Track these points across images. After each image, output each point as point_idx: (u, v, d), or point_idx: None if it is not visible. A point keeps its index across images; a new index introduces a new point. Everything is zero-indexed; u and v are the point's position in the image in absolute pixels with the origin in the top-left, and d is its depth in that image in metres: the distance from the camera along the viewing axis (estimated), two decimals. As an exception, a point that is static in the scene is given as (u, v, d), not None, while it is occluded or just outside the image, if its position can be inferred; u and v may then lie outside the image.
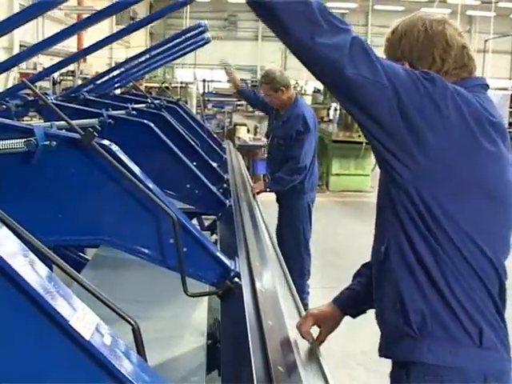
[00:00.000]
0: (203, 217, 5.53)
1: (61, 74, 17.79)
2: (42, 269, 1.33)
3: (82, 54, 5.25)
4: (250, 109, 18.41)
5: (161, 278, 3.17)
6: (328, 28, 1.85)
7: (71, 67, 18.50)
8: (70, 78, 18.37)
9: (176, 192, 4.14)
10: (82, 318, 1.28)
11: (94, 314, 1.34)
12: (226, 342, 2.54)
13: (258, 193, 5.87)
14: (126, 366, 1.32)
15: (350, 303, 2.50)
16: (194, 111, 15.07)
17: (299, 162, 6.15)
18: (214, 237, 4.68)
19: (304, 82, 24.01)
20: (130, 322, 1.60)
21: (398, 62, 2.12)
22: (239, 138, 15.03)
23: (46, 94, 5.69)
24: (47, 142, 2.61)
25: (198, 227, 4.36)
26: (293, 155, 6.18)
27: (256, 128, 16.10)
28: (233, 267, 2.77)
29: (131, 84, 9.39)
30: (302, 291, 6.50)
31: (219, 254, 2.79)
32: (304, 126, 6.20)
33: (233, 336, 2.44)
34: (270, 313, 2.37)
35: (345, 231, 9.88)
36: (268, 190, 6.20)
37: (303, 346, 2.27)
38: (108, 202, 2.78)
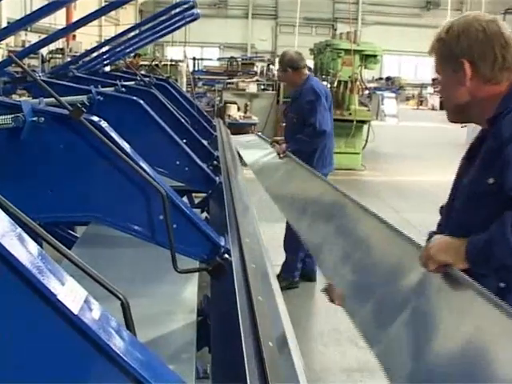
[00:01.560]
0: (194, 194, 5.53)
1: (50, 52, 17.67)
2: (30, 244, 1.31)
3: (70, 28, 5.20)
4: (241, 87, 18.41)
5: (151, 256, 3.16)
6: None
7: (60, 45, 18.39)
8: (59, 56, 18.23)
9: (166, 169, 4.12)
10: (70, 293, 1.27)
11: (82, 289, 1.33)
12: (215, 318, 2.55)
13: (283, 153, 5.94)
14: (116, 343, 1.31)
15: None
16: (184, 89, 15.01)
17: (316, 127, 6.25)
18: (205, 214, 4.67)
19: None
20: (118, 297, 1.59)
21: (455, 59, 2.21)
22: (229, 116, 14.98)
23: (35, 71, 5.65)
24: (35, 118, 2.59)
25: (189, 205, 4.35)
26: (309, 122, 6.28)
27: (246, 106, 16.04)
28: (223, 243, 2.76)
29: (121, 61, 9.34)
30: (292, 267, 6.53)
31: (209, 231, 2.78)
32: (313, 94, 6.34)
33: (223, 312, 2.44)
34: (259, 288, 2.36)
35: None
36: (288, 149, 6.24)
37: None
38: (97, 179, 2.76)
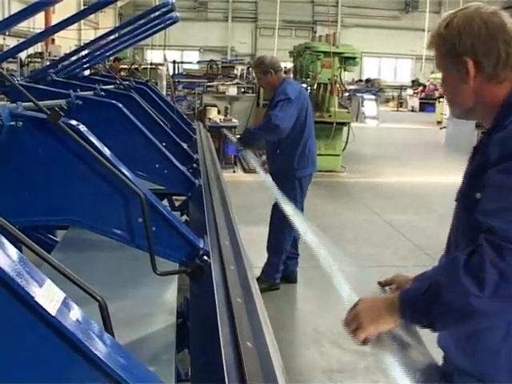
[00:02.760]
0: (174, 197, 5.53)
1: (28, 56, 17.58)
2: (8, 246, 1.32)
3: (49, 32, 5.17)
4: (221, 90, 18.42)
5: (130, 259, 3.17)
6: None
7: (39, 49, 18.30)
8: (38, 60, 18.14)
9: (145, 172, 4.12)
10: (48, 295, 1.28)
11: (60, 291, 1.34)
12: (195, 320, 2.56)
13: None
14: (96, 344, 1.31)
15: None
16: (164, 93, 15.00)
17: (271, 120, 6.31)
18: (185, 217, 4.67)
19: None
20: (96, 299, 1.59)
21: (458, 57, 2.13)
22: (210, 119, 14.98)
23: (13, 75, 5.63)
24: (13, 122, 2.60)
25: (169, 208, 4.35)
26: (267, 115, 6.41)
27: (226, 109, 16.04)
28: (202, 246, 2.77)
29: (100, 65, 9.30)
30: (274, 269, 6.55)
31: (188, 233, 2.79)
32: (284, 95, 6.38)
33: (202, 314, 2.45)
34: (238, 290, 2.37)
35: (319, 210, 9.90)
36: (242, 146, 6.33)
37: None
38: (76, 182, 2.77)
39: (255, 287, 2.50)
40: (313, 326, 5.72)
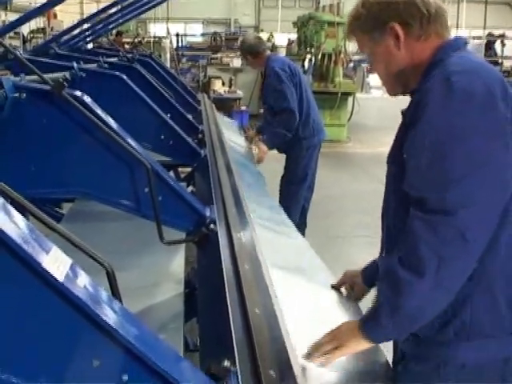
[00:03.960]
0: (180, 169, 5.53)
1: (31, 32, 17.50)
2: (14, 214, 1.31)
3: (50, 4, 5.13)
4: (225, 62, 18.34)
5: (137, 229, 3.17)
6: None
7: (41, 24, 18.20)
8: (41, 35, 18.04)
9: (150, 144, 4.12)
10: (55, 261, 1.27)
11: (66, 257, 1.33)
12: (202, 289, 2.56)
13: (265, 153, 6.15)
14: (105, 311, 1.31)
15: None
16: (168, 66, 14.93)
17: (291, 109, 6.24)
18: (191, 188, 4.67)
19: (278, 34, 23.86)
20: (104, 266, 1.59)
21: (383, 26, 2.10)
22: (214, 90, 14.95)
23: (16, 49, 5.60)
24: (16, 94, 2.58)
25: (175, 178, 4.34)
26: (283, 108, 6.28)
27: (231, 81, 16.00)
28: (208, 214, 2.77)
29: (104, 39, 9.27)
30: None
31: (194, 202, 2.79)
32: (276, 79, 6.31)
33: (209, 283, 2.45)
34: (246, 258, 2.37)
35: (322, 181, 9.88)
36: (270, 148, 6.30)
37: (278, 288, 2.28)
38: (81, 153, 2.76)
39: (262, 254, 2.50)
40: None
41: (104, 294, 1.38)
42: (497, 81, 1.94)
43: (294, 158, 6.51)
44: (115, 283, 1.60)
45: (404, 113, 2.18)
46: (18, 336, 1.27)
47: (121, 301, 1.54)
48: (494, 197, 1.86)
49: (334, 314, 2.44)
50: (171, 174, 5.03)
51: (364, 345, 2.02)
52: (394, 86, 2.26)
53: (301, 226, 6.71)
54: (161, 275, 2.88)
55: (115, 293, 1.58)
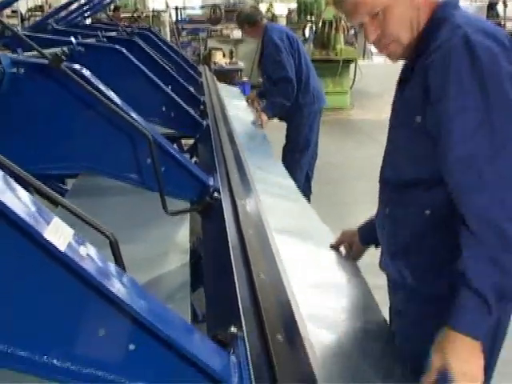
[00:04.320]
0: (184, 142, 5.51)
1: (29, 10, 17.39)
2: (14, 185, 1.30)
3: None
4: (225, 34, 18.23)
5: (142, 203, 3.15)
6: None
7: (39, 2, 18.08)
8: (39, 13, 17.91)
9: (152, 116, 4.08)
10: (56, 231, 1.26)
11: (68, 227, 1.32)
12: (208, 257, 2.55)
13: (266, 123, 6.06)
14: (110, 280, 1.30)
15: (373, 239, 2.49)
16: (168, 39, 14.85)
17: (286, 81, 6.26)
18: (194, 159, 4.66)
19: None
20: (106, 236, 1.58)
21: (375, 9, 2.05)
22: (215, 62, 14.88)
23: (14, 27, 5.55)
24: (14, 70, 2.56)
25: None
26: (281, 76, 6.29)
27: (231, 52, 15.93)
28: (212, 183, 2.76)
29: (102, 15, 9.20)
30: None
31: (197, 172, 2.78)
32: (274, 49, 6.32)
33: (215, 251, 2.45)
34: (250, 224, 2.37)
35: (326, 148, 9.86)
36: (269, 117, 6.26)
37: (284, 253, 2.28)
38: (82, 127, 2.74)
39: (267, 220, 2.49)
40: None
41: (107, 262, 1.37)
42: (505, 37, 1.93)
43: (296, 126, 6.50)
44: (119, 253, 1.59)
45: (405, 74, 2.15)
46: (21, 308, 1.26)
47: (125, 270, 1.53)
48: None
49: (336, 275, 2.43)
50: (175, 146, 5.02)
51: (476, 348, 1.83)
52: (399, 48, 2.15)
53: (306, 194, 6.72)
54: (166, 246, 2.87)
55: (119, 262, 1.57)
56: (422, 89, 1.96)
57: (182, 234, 2.99)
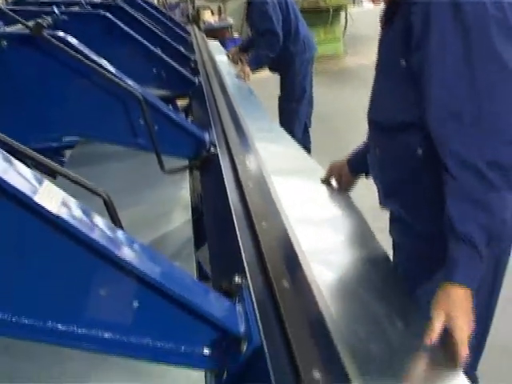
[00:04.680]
0: (180, 104, 5.47)
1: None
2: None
3: None
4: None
5: (142, 166, 3.14)
6: None
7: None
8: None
9: (143, 79, 4.02)
10: (47, 194, 1.24)
11: (60, 190, 1.30)
12: (209, 212, 2.54)
13: (248, 76, 5.97)
14: (107, 239, 1.27)
15: (362, 168, 2.51)
16: (154, 2, 14.71)
17: (272, 33, 6.20)
18: (190, 118, 4.63)
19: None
20: (100, 195, 1.56)
21: None
22: (204, 22, 14.75)
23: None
24: (-3, 43, 2.53)
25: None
26: (265, 29, 6.24)
27: (220, 9, 15.76)
28: (207, 138, 2.74)
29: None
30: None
31: (192, 128, 2.76)
32: (260, 1, 6.26)
33: (215, 205, 2.43)
34: (249, 175, 2.35)
35: (327, 97, 9.80)
36: (252, 69, 6.20)
37: (285, 201, 2.25)
38: (72, 94, 2.70)
39: (265, 170, 2.47)
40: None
41: (103, 221, 1.35)
42: None
43: (290, 76, 6.47)
44: (114, 211, 1.57)
45: (388, 16, 2.11)
46: (19, 275, 1.24)
47: (122, 228, 1.51)
48: None
49: (332, 210, 2.42)
50: (170, 107, 4.98)
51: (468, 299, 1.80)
52: None
53: (305, 144, 6.71)
54: (168, 206, 2.85)
55: (115, 221, 1.55)
56: (405, 32, 1.92)
57: (182, 192, 2.97)
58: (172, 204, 2.86)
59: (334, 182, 2.61)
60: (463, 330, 1.70)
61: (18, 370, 1.70)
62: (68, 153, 4.60)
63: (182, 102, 5.29)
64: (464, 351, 1.65)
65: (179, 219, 2.68)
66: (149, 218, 2.70)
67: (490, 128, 1.75)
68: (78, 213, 1.27)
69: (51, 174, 2.97)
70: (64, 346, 1.32)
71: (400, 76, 1.98)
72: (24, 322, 1.26)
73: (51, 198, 1.24)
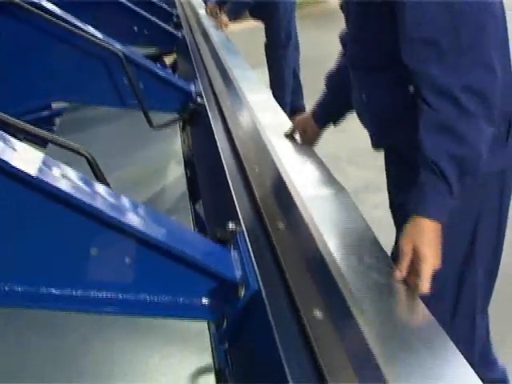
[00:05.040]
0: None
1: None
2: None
3: None
4: None
5: (131, 127, 3.10)
6: None
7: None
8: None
9: (125, 38, 3.96)
10: (25, 158, 1.20)
11: (38, 152, 1.26)
12: (201, 163, 2.50)
13: (226, 25, 5.85)
14: (93, 198, 1.23)
15: (328, 118, 2.46)
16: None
17: None
18: (177, 74, 4.58)
19: None
20: (82, 154, 1.52)
21: None
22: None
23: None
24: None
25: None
26: None
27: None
28: (193, 89, 2.69)
29: None
30: (282, 103, 6.50)
31: (176, 80, 2.71)
32: None
33: (206, 156, 2.39)
34: (237, 123, 2.31)
35: (316, 41, 9.68)
36: (231, 18, 6.11)
37: (276, 143, 2.21)
38: (52, 59, 2.66)
39: (256, 117, 2.43)
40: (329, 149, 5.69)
41: (86, 179, 1.31)
42: None
43: (275, 22, 6.38)
44: (99, 170, 1.52)
45: None
46: (7, 243, 1.21)
47: (108, 186, 1.47)
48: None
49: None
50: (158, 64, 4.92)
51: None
52: None
53: (297, 90, 6.64)
54: (162, 162, 2.80)
55: (100, 179, 1.51)
56: None
57: (175, 147, 2.93)
58: (165, 160, 2.82)
59: (297, 137, 2.53)
60: (427, 261, 1.64)
61: (22, 340, 1.68)
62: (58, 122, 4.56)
63: (170, 60, 5.24)
64: (426, 283, 1.58)
65: (173, 174, 2.64)
66: (143, 176, 2.65)
67: (467, 53, 1.70)
68: (57, 173, 1.23)
69: (41, 144, 2.95)
70: (62, 310, 1.30)
71: (378, 13, 1.91)
72: (17, 290, 1.24)
73: (29, 160, 1.20)
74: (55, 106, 4.02)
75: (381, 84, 2.02)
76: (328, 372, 1.10)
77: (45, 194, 1.18)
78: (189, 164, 2.64)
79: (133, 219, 1.27)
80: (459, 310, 2.09)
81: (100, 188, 1.32)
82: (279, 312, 1.24)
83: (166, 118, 2.78)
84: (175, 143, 2.96)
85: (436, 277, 1.62)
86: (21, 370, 1.54)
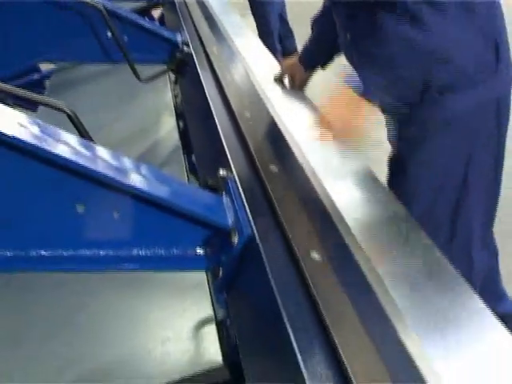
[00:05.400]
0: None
1: None
2: None
3: None
4: None
5: (120, 83, 3.04)
6: None
7: None
8: None
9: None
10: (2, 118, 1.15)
11: (15, 111, 1.21)
12: (191, 114, 2.44)
13: None
14: (77, 153, 1.18)
15: (316, 62, 2.40)
16: None
17: None
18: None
19: None
20: (63, 110, 1.46)
21: None
22: None
23: None
24: None
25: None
26: None
27: None
28: (179, 39, 2.62)
29: None
30: (271, 50, 6.41)
31: (162, 31, 2.63)
32: None
33: (196, 105, 2.33)
34: (225, 69, 2.25)
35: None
36: None
37: (266, 87, 2.15)
38: (31, 19, 2.58)
39: (246, 62, 2.37)
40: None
41: (68, 135, 1.25)
42: None
43: None
44: (81, 124, 1.47)
45: None
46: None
47: (92, 140, 1.42)
48: None
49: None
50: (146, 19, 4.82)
51: None
52: None
53: (287, 35, 6.54)
54: (152, 116, 2.75)
55: (83, 134, 1.46)
56: None
57: (166, 99, 2.88)
58: (157, 113, 2.77)
59: (286, 81, 2.47)
60: None
61: (20, 301, 1.66)
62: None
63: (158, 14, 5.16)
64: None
65: (166, 127, 2.59)
66: (136, 131, 2.60)
67: None
68: (36, 131, 1.18)
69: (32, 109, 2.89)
70: (55, 271, 1.26)
71: None
72: (6, 255, 1.20)
73: (4, 120, 1.15)
74: (44, 68, 3.97)
75: (364, 22, 1.95)
76: (327, 316, 1.06)
77: (22, 152, 1.13)
78: (181, 116, 2.59)
79: (118, 172, 1.22)
80: (455, 244, 2.05)
81: (82, 143, 1.27)
82: (275, 256, 1.20)
83: (155, 71, 2.72)
84: (166, 96, 2.90)
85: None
86: (24, 329, 1.53)
